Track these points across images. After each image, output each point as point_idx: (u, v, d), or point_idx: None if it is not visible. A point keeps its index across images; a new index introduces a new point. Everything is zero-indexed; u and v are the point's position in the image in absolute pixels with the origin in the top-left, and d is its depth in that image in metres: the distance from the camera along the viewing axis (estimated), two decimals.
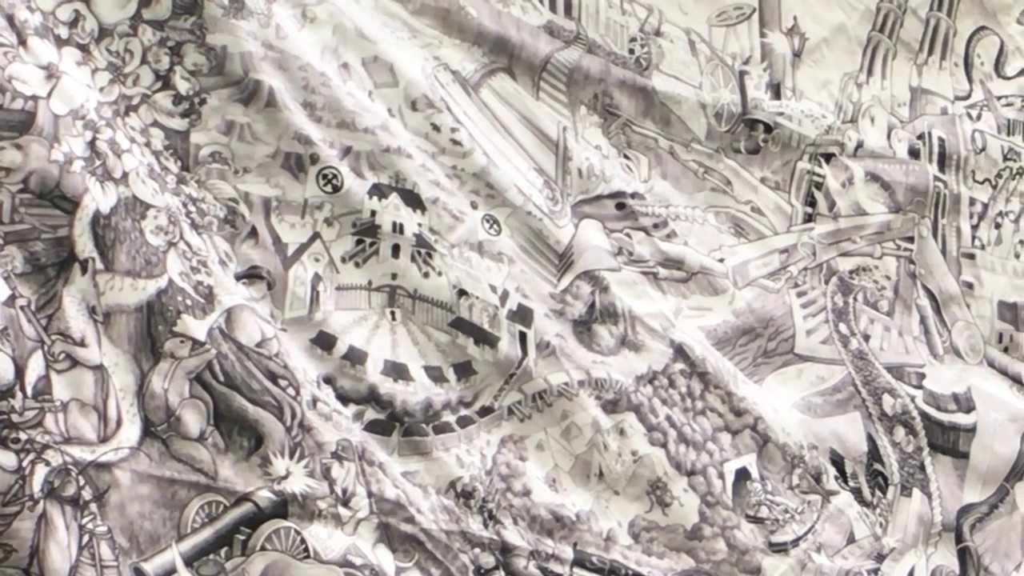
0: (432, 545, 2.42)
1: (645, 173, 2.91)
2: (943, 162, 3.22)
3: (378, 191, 2.54)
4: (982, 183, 3.27)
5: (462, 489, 2.49)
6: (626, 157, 2.90)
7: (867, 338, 3.02)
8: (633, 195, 2.85)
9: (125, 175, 2.30)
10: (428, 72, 2.69)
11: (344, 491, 2.34)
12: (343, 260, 2.51)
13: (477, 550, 2.46)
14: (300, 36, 2.56)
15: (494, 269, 2.63)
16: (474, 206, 2.65)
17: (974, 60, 3.35)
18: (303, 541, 2.27)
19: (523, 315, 2.63)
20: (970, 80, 3.34)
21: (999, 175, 3.30)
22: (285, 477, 2.30)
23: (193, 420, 2.27)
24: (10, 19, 2.28)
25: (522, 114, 2.79)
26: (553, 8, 2.88)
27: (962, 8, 3.34)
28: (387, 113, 2.61)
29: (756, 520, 2.72)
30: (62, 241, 2.23)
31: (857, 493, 2.88)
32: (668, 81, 2.98)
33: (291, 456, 2.31)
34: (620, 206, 2.83)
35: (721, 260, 2.93)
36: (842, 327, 3.00)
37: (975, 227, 3.24)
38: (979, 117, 3.31)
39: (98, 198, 2.26)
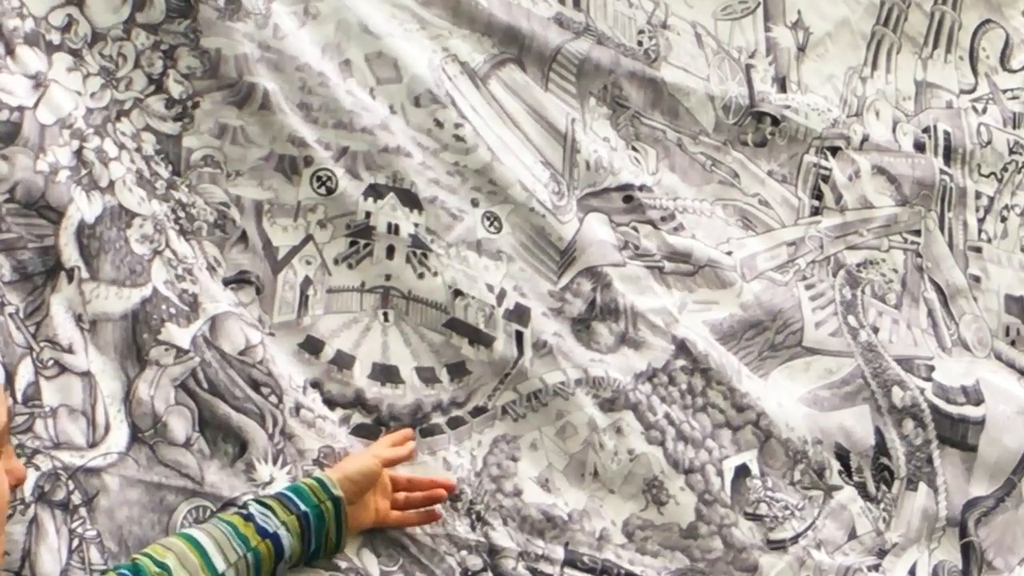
0: (416, 549, 2.43)
1: (653, 165, 2.90)
2: (949, 155, 3.21)
3: (374, 191, 2.55)
4: (988, 176, 3.25)
5: None
6: (634, 149, 2.89)
7: (876, 331, 3.01)
8: (641, 188, 2.85)
9: (111, 184, 2.32)
10: (436, 64, 2.69)
11: None
12: (336, 262, 2.52)
13: (464, 552, 2.47)
14: (300, 34, 2.57)
15: (492, 268, 2.63)
16: (475, 203, 2.65)
17: (979, 53, 3.32)
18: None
19: (520, 314, 2.63)
20: (975, 73, 3.31)
21: (1005, 168, 3.27)
22: (269, 483, 2.33)
23: (179, 426, 2.29)
24: None
25: (530, 106, 2.79)
26: (562, 0, 2.87)
27: (967, 1, 3.31)
28: (388, 111, 2.62)
29: (755, 517, 2.72)
30: (48, 250, 2.26)
31: (861, 488, 2.87)
32: (677, 73, 2.97)
33: (274, 462, 2.33)
34: (628, 199, 2.83)
35: (729, 253, 2.92)
36: (851, 319, 2.99)
37: (981, 220, 3.21)
38: (985, 110, 3.29)
39: (83, 208, 2.28)
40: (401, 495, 2.44)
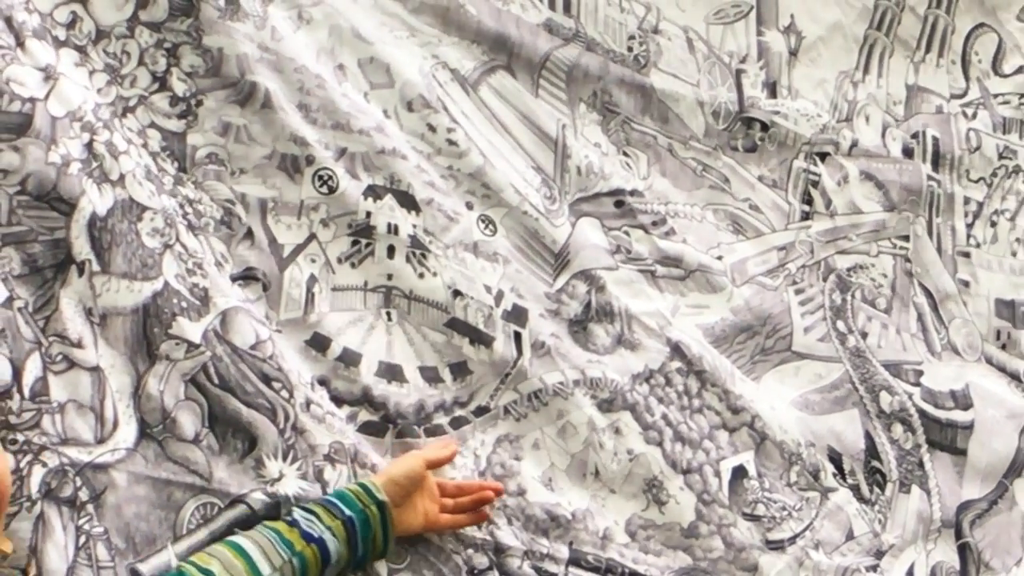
0: (424, 547, 2.43)
1: (644, 170, 2.91)
2: (937, 161, 3.22)
3: (373, 192, 2.55)
4: (977, 182, 3.26)
5: None
6: (625, 155, 2.90)
7: (865, 335, 3.02)
8: (632, 193, 2.86)
9: (122, 177, 2.31)
10: (426, 71, 2.70)
11: None
12: (339, 261, 2.51)
13: (470, 551, 2.47)
14: (296, 38, 2.57)
15: (489, 269, 2.63)
16: (469, 206, 2.65)
17: (971, 57, 3.33)
18: None
19: (518, 315, 2.63)
20: (967, 78, 3.32)
21: (994, 173, 3.29)
22: (278, 479, 2.32)
23: (188, 422, 2.28)
24: (8, 21, 2.29)
25: (521, 112, 2.79)
26: (552, 6, 2.88)
27: (961, 5, 3.32)
28: (382, 114, 2.62)
29: (753, 518, 2.73)
30: (59, 243, 2.25)
31: (855, 490, 2.88)
32: (666, 79, 2.98)
33: (284, 458, 2.33)
34: (619, 204, 2.83)
35: (719, 258, 2.93)
36: (840, 324, 3.00)
37: (970, 225, 3.23)
38: (975, 115, 3.30)
39: (95, 200, 2.27)
40: (450, 501, 2.45)
